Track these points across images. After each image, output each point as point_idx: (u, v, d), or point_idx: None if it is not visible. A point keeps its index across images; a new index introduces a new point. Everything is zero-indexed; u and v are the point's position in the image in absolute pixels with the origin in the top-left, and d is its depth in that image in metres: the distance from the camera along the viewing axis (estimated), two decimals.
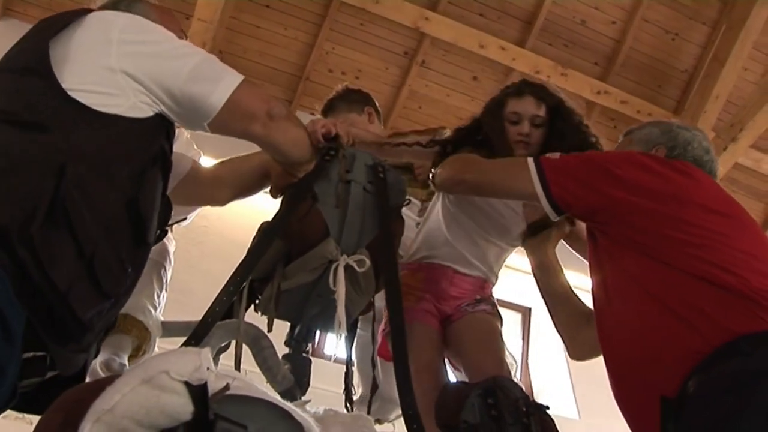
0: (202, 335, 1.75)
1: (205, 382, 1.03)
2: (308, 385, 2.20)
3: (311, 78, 6.94)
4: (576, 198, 2.10)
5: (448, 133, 3.53)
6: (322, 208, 2.20)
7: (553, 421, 1.97)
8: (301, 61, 6.88)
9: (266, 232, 2.07)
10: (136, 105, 1.64)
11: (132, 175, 1.62)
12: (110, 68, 1.61)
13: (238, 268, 1.94)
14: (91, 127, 1.56)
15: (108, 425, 0.97)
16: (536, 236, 2.62)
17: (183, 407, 1.01)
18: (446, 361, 2.63)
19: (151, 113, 1.68)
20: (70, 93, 1.55)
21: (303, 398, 2.06)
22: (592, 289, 2.12)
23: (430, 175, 2.66)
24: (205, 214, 3.00)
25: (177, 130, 2.99)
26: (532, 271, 2.61)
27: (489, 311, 2.65)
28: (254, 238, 2.08)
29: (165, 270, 2.73)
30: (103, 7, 1.87)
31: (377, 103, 3.57)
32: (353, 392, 2.34)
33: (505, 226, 2.69)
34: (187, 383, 1.02)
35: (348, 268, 2.10)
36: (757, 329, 1.69)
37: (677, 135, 2.27)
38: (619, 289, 2.01)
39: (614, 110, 7.15)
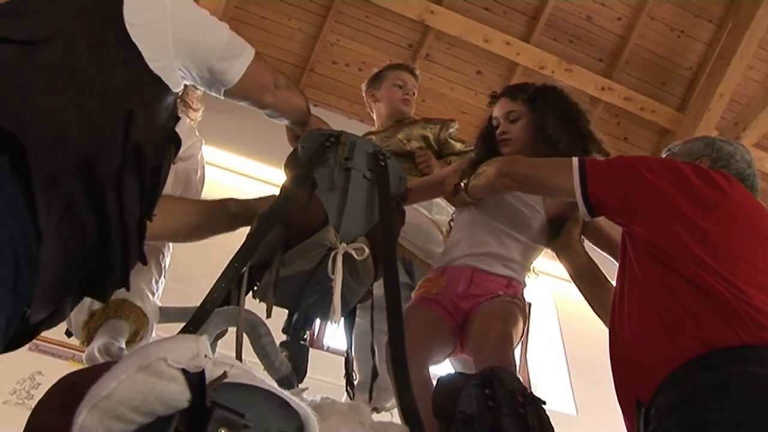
0: (201, 322, 1.74)
1: (203, 370, 1.03)
2: (305, 372, 2.20)
3: (315, 69, 6.94)
4: (608, 198, 2.14)
5: (456, 126, 3.58)
6: (321, 195, 2.19)
7: (548, 416, 1.97)
8: (305, 52, 6.88)
9: (265, 218, 2.06)
10: (171, 67, 1.71)
11: (159, 145, 1.70)
12: (164, 29, 1.68)
13: (236, 254, 1.93)
14: (143, 82, 1.61)
15: (104, 411, 0.97)
16: (559, 235, 2.67)
17: (180, 394, 1.01)
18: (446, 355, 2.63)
19: (176, 86, 1.75)
20: (130, 32, 1.58)
21: (300, 386, 2.06)
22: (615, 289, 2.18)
23: (462, 184, 2.66)
24: None
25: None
26: (572, 279, 2.64)
27: (508, 300, 2.59)
28: (253, 225, 2.07)
29: (164, 256, 2.73)
30: None
31: None
32: (354, 379, 2.33)
33: (524, 221, 2.70)
34: (184, 370, 1.01)
35: (347, 256, 2.09)
36: (730, 344, 1.72)
37: (721, 148, 2.33)
38: (628, 289, 2.06)
39: (618, 107, 7.15)
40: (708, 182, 2.07)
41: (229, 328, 2.07)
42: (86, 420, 0.98)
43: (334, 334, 2.35)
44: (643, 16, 6.92)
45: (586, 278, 2.56)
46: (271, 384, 1.14)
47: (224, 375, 1.05)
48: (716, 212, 2.01)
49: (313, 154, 2.26)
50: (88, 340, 2.13)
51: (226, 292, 1.89)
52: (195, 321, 1.72)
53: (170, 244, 2.88)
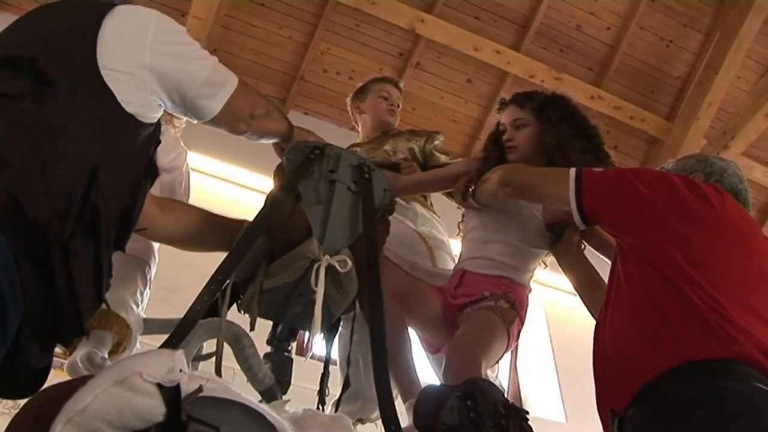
0: (184, 333, 1.74)
1: (178, 384, 1.04)
2: (289, 383, 2.20)
3: (306, 78, 6.95)
4: (601, 208, 2.19)
5: (441, 138, 3.60)
6: (305, 207, 2.20)
7: (530, 427, 1.97)
8: (296, 60, 6.88)
9: (248, 230, 2.07)
10: (148, 104, 1.69)
11: (131, 182, 1.67)
12: (141, 63, 1.65)
13: (220, 266, 1.93)
14: (116, 127, 1.59)
15: (79, 426, 0.97)
16: (560, 240, 2.72)
17: (155, 409, 1.02)
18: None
19: (153, 119, 1.74)
20: (104, 76, 1.55)
21: (283, 398, 2.07)
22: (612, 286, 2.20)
23: (470, 190, 2.73)
24: None
25: (163, 127, 3.01)
26: (575, 290, 2.67)
27: (490, 306, 2.57)
28: (237, 237, 2.07)
29: (149, 267, 2.73)
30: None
31: None
32: (327, 393, 2.33)
33: (519, 225, 2.73)
34: (159, 385, 1.02)
35: (330, 268, 2.10)
36: (702, 357, 1.74)
37: (713, 163, 2.38)
38: (614, 298, 2.09)
39: (607, 116, 7.14)
40: (699, 196, 2.08)
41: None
42: None
43: (323, 342, 2.35)
44: (633, 25, 6.95)
45: (586, 284, 2.60)
46: (247, 398, 1.15)
47: (200, 389, 1.06)
48: (705, 226, 2.03)
49: (297, 166, 2.27)
50: (71, 349, 2.13)
51: (209, 305, 1.89)
52: (178, 333, 1.73)
53: (156, 256, 2.88)
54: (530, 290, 2.76)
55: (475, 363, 2.30)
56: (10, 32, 1.67)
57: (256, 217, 2.10)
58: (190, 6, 5.91)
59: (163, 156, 2.96)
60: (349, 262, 2.11)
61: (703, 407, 1.65)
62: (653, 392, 1.75)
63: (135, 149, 1.67)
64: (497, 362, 2.79)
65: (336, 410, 2.34)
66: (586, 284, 2.60)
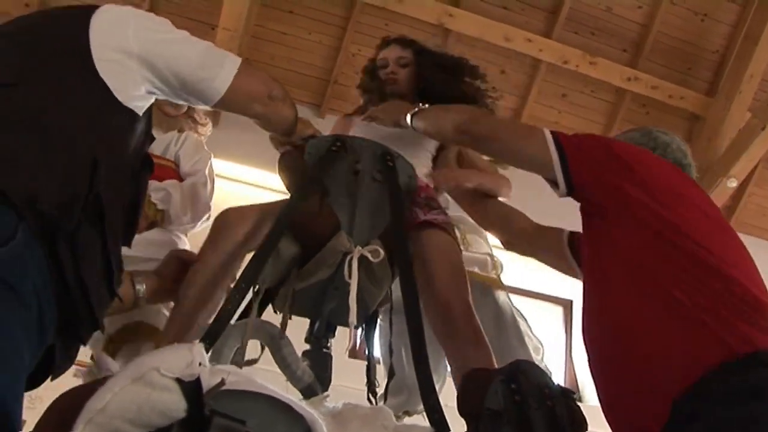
0: (216, 335, 1.74)
1: (198, 378, 1.03)
2: (330, 380, 2.20)
3: (339, 81, 6.94)
4: (595, 182, 2.02)
5: None
6: (332, 202, 2.19)
7: (579, 407, 1.93)
8: (328, 64, 6.87)
9: (276, 225, 2.06)
10: (138, 94, 1.70)
11: (132, 176, 1.70)
12: (128, 51, 1.66)
13: (248, 264, 1.93)
14: (112, 119, 1.62)
15: (100, 426, 0.97)
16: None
17: (175, 404, 1.01)
18: None
19: (142, 109, 1.73)
20: (98, 68, 1.58)
21: (323, 393, 2.06)
22: (584, 278, 2.07)
23: (408, 116, 2.58)
24: None
25: (184, 134, 3.04)
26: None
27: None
28: (265, 234, 2.07)
29: None
30: None
31: None
32: (377, 385, 2.32)
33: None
34: (178, 379, 1.01)
35: (362, 259, 2.09)
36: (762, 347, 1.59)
37: (657, 137, 2.33)
38: (618, 276, 1.90)
39: (646, 96, 7.05)
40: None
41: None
42: None
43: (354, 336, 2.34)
44: (665, 2, 6.81)
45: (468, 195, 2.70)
46: (272, 389, 1.14)
47: (222, 382, 1.05)
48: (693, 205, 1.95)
49: (320, 159, 2.27)
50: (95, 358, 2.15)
51: (239, 304, 1.88)
52: (210, 334, 1.73)
53: None
54: None
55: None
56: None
57: (281, 212, 2.09)
58: (218, 19, 5.94)
59: (186, 161, 3.00)
60: (381, 252, 2.11)
61: None
62: (729, 377, 1.54)
63: (131, 143, 1.69)
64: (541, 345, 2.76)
65: (384, 402, 2.33)
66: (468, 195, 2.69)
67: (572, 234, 2.39)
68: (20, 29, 1.67)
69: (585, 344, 1.99)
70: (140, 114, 1.72)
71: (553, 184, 2.09)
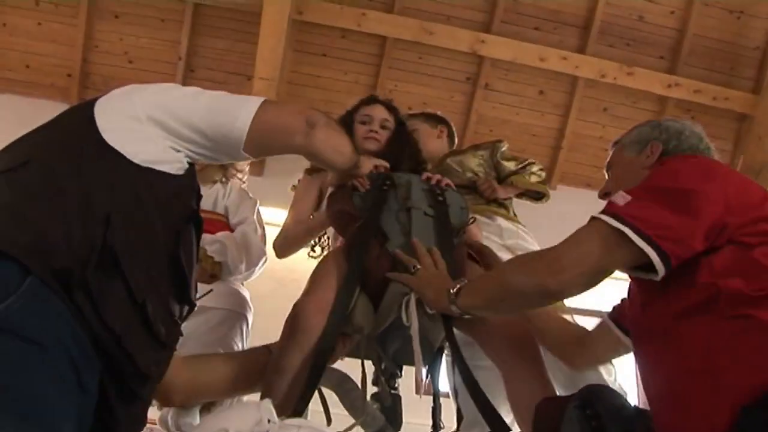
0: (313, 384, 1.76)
1: None
2: (401, 421, 2.16)
3: None
4: (687, 236, 1.65)
5: (505, 145, 3.54)
6: (390, 246, 2.16)
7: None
8: None
9: (348, 279, 2.05)
10: (164, 155, 1.67)
11: (168, 231, 1.64)
12: (137, 117, 1.65)
13: (329, 322, 1.96)
14: (128, 179, 1.58)
15: None
16: None
17: None
18: None
19: (178, 169, 1.71)
20: (106, 138, 1.58)
21: None
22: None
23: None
24: (279, 262, 3.06)
25: (228, 185, 3.07)
26: None
27: None
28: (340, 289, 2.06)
29: (246, 320, 2.77)
30: None
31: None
32: (442, 426, 2.27)
33: None
34: None
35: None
36: None
37: (668, 127, 2.15)
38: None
39: (689, 101, 6.96)
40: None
41: None
42: None
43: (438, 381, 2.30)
44: (697, 4, 6.74)
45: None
46: None
47: None
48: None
49: (374, 200, 2.25)
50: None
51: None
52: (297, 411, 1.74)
53: (251, 305, 2.93)
54: None
55: None
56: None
57: (350, 263, 2.09)
58: (254, 69, 6.02)
59: (234, 211, 3.04)
60: None
61: None
62: None
63: (160, 198, 1.63)
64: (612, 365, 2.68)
65: None
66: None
67: (613, 312, 2.23)
68: (31, 131, 1.70)
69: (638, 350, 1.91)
70: (171, 172, 1.68)
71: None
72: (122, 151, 1.58)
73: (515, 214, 3.47)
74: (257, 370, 2.07)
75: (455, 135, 3.84)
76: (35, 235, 1.34)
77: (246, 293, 2.96)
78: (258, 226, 3.05)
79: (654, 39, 6.95)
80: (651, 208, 1.68)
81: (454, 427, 2.38)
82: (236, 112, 1.77)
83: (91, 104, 1.67)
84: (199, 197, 1.84)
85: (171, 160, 1.69)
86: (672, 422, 1.65)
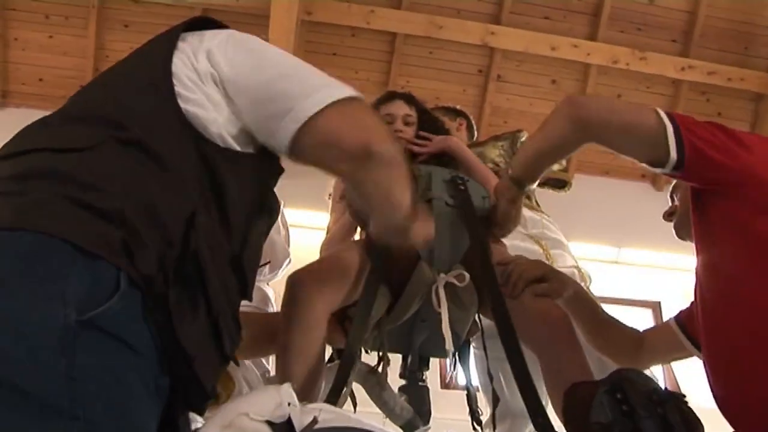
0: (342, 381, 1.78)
1: (290, 418, 0.99)
2: (430, 413, 2.16)
3: None
4: (711, 148, 1.74)
5: (526, 136, 3.50)
6: None
7: (691, 409, 1.84)
8: None
9: (370, 280, 2.05)
10: (230, 120, 1.40)
11: (242, 224, 1.42)
12: (197, 70, 1.41)
13: (358, 311, 1.95)
14: (208, 163, 1.35)
15: None
16: None
17: None
18: None
19: (252, 148, 1.45)
20: (184, 111, 1.35)
21: (424, 427, 2.02)
22: (701, 268, 1.95)
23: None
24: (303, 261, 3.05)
25: None
26: None
27: None
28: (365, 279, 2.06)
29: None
30: None
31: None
32: (479, 414, 2.26)
33: None
34: (269, 422, 0.98)
35: (448, 285, 2.05)
36: None
37: None
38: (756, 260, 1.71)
39: (704, 83, 6.92)
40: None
41: None
42: None
43: (451, 365, 2.29)
44: None
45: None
46: (370, 423, 1.10)
47: (315, 421, 1.01)
48: None
49: None
50: None
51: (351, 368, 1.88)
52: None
53: (273, 304, 2.91)
54: None
55: None
56: (85, 93, 1.51)
57: (373, 258, 2.10)
58: None
59: None
60: (467, 275, 2.07)
61: None
62: None
63: (238, 185, 1.39)
64: None
65: (494, 430, 2.27)
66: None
67: (679, 317, 2.19)
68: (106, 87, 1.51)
69: (706, 330, 1.88)
70: (249, 152, 1.44)
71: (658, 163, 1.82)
72: (198, 128, 1.35)
73: (538, 204, 3.45)
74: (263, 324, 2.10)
75: (474, 127, 3.81)
76: (128, 234, 1.17)
77: (270, 291, 2.95)
78: (282, 226, 3.03)
79: (665, 22, 6.89)
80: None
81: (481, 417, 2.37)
82: (296, 101, 1.38)
83: (168, 56, 1.43)
84: (278, 174, 1.59)
85: (246, 139, 1.43)
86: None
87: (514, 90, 7.07)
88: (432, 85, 6.89)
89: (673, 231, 2.16)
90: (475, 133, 3.82)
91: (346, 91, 1.44)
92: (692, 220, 1.90)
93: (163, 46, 1.46)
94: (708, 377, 1.83)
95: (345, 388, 1.83)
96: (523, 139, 3.55)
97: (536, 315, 2.11)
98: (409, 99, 2.95)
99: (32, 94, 6.63)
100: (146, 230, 1.18)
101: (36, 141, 1.30)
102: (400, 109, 2.87)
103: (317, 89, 1.40)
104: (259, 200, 1.48)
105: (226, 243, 1.36)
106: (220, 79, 1.40)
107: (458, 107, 3.82)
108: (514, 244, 2.84)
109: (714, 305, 1.82)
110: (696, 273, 1.89)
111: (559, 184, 3.58)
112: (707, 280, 1.85)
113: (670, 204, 2.23)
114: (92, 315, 1.03)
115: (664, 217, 2.21)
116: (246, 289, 1.44)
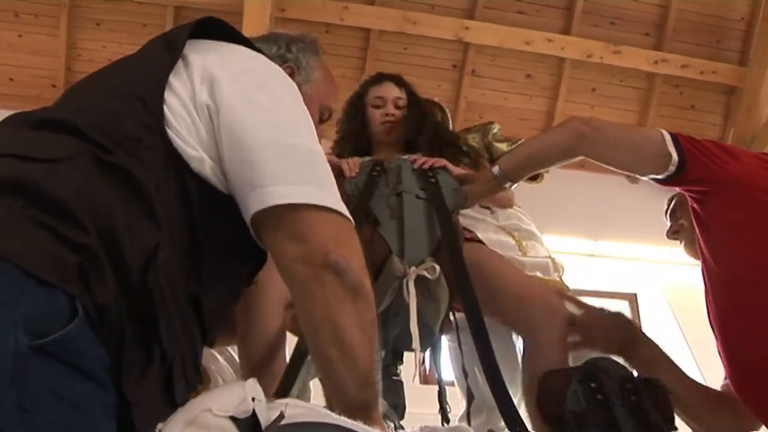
0: (296, 372, 1.76)
1: (255, 414, 0.98)
2: (404, 408, 2.15)
3: None
4: (707, 157, 1.94)
5: (497, 126, 3.50)
6: (382, 229, 2.15)
7: (666, 396, 1.84)
8: None
9: None
10: (203, 159, 1.27)
11: (214, 266, 1.29)
12: (194, 100, 1.30)
13: None
14: (189, 198, 1.24)
15: None
16: None
17: None
18: None
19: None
20: (172, 140, 1.24)
21: (400, 423, 2.02)
22: (707, 267, 1.99)
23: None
24: None
25: None
26: None
27: None
28: None
29: None
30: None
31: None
32: (449, 410, 2.25)
33: None
34: (233, 418, 0.96)
35: (419, 279, 2.04)
36: None
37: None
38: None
39: (677, 76, 6.95)
40: None
41: None
42: None
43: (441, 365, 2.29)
44: None
45: None
46: (339, 417, 1.08)
47: (281, 416, 1.00)
48: None
49: (364, 185, 2.24)
50: None
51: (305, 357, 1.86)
52: (288, 374, 1.74)
53: None
54: None
55: None
56: (71, 95, 1.45)
57: None
58: None
59: None
60: (437, 268, 2.06)
61: None
62: None
63: (218, 226, 1.28)
64: None
65: (468, 425, 2.26)
66: None
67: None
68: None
69: (716, 322, 1.94)
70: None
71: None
72: (181, 152, 1.24)
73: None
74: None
75: (449, 119, 3.79)
76: (86, 260, 1.06)
77: None
78: None
79: (638, 16, 6.92)
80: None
81: (457, 412, 2.36)
82: (283, 184, 1.26)
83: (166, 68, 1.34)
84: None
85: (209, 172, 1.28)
86: None
87: (489, 85, 7.06)
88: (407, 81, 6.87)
89: (684, 251, 2.29)
90: (450, 123, 3.81)
91: (334, 198, 1.34)
92: (696, 231, 1.98)
93: (162, 62, 1.36)
94: (726, 369, 1.93)
95: (296, 383, 1.82)
96: (495, 130, 3.54)
97: (517, 295, 2.12)
98: (399, 81, 2.95)
99: (3, 94, 6.53)
100: (106, 258, 1.07)
101: (4, 144, 1.20)
102: (391, 91, 2.85)
103: (324, 183, 1.34)
104: (238, 246, 1.34)
105: (194, 283, 1.23)
106: (217, 117, 1.29)
107: (436, 99, 3.76)
108: (487, 236, 2.83)
109: (728, 296, 1.90)
110: (703, 274, 2.02)
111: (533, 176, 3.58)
112: (718, 274, 1.94)
113: (670, 223, 2.30)
114: (47, 341, 0.95)
115: (668, 235, 2.33)
116: (206, 335, 1.30)
